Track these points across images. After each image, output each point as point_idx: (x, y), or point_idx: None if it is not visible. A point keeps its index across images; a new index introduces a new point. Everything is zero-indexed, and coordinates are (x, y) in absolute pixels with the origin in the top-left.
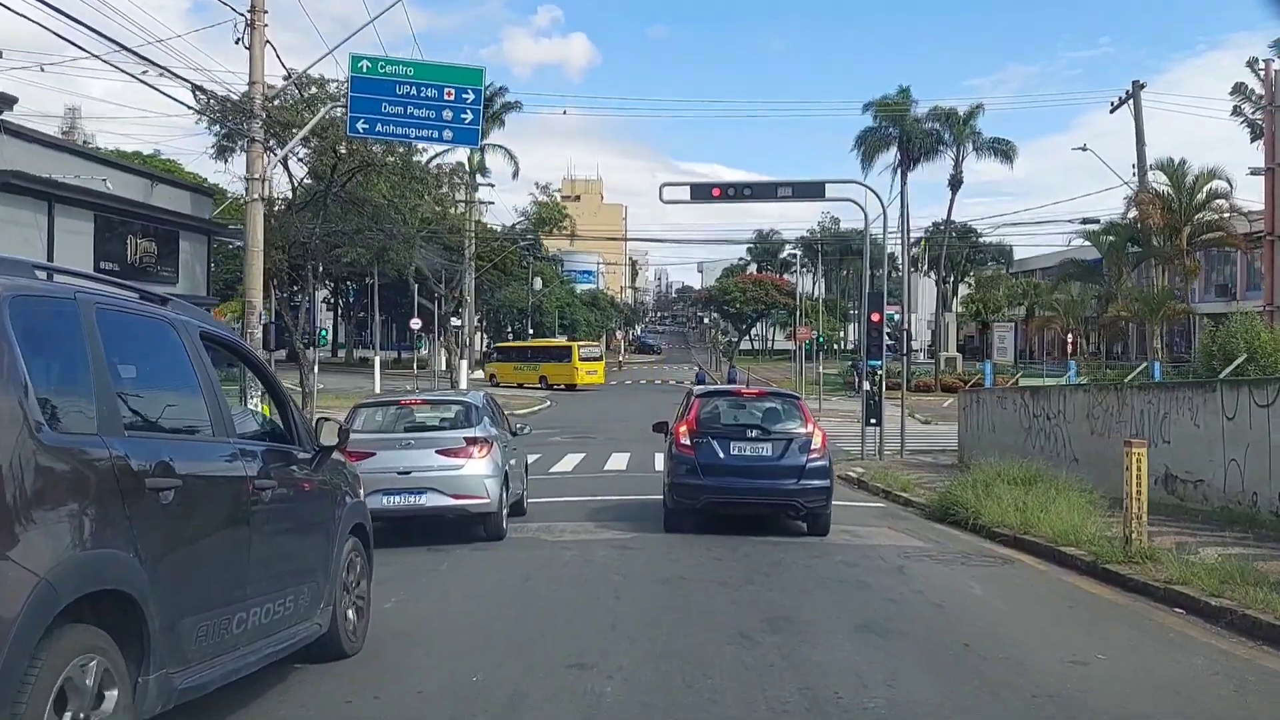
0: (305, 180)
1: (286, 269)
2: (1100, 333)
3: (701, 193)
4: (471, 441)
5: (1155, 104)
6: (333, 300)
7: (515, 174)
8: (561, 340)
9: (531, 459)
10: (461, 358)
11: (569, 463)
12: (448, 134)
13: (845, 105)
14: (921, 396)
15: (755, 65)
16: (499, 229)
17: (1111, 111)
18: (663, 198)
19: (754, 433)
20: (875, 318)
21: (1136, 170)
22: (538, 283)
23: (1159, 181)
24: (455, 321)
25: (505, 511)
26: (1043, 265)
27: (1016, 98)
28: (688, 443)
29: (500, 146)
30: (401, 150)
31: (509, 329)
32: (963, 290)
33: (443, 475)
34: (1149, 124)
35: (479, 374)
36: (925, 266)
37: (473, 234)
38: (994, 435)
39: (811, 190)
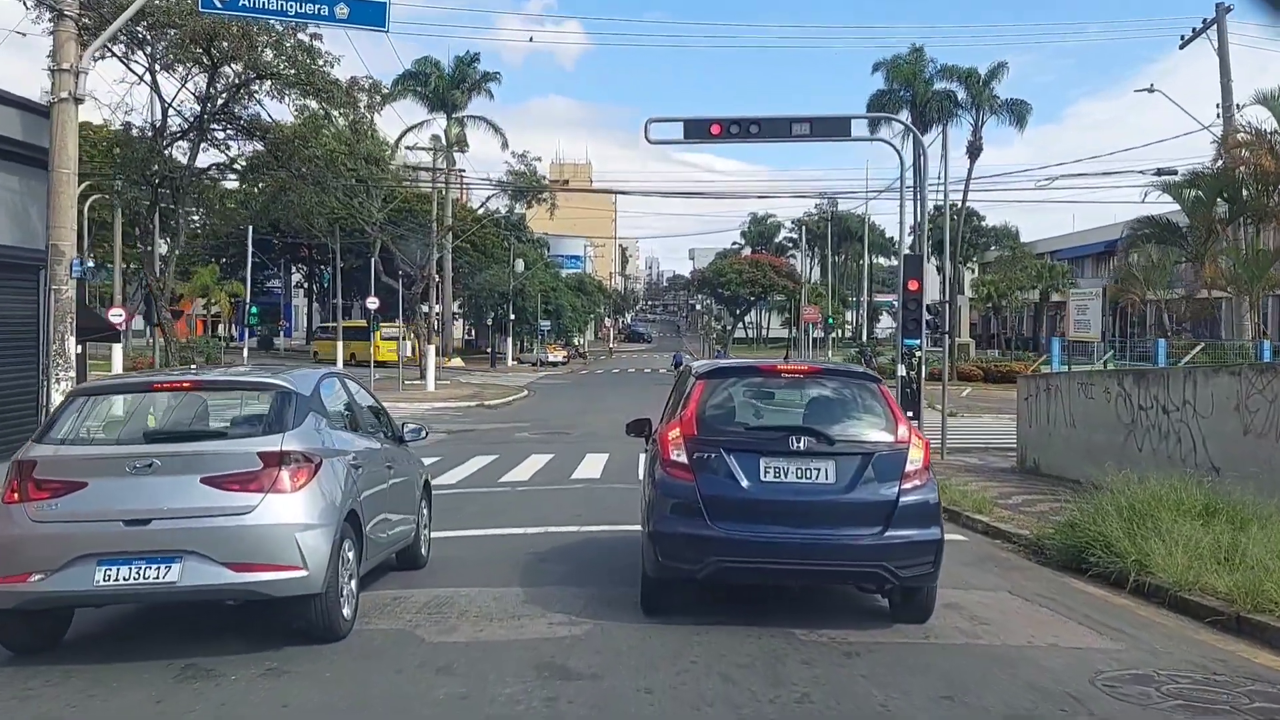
0: (179, 103)
1: (146, 213)
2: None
3: (697, 130)
4: (273, 460)
5: (1161, 92)
6: (306, 285)
7: (504, 145)
8: (364, 322)
9: (485, 463)
10: (429, 342)
11: (530, 467)
12: (342, 9)
13: (843, 94)
14: (937, 385)
15: (752, 54)
16: (477, 207)
17: (1182, 46)
18: (649, 136)
19: (802, 442)
20: (913, 285)
21: (1221, 111)
22: (519, 265)
23: (1246, 123)
24: (426, 307)
25: (350, 587)
26: (1052, 248)
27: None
28: (682, 458)
29: (482, 118)
30: (303, 57)
31: (491, 314)
32: (967, 275)
33: (212, 525)
34: (1182, 73)
35: (458, 362)
36: (930, 249)
37: (443, 190)
38: (1073, 432)
39: (834, 128)
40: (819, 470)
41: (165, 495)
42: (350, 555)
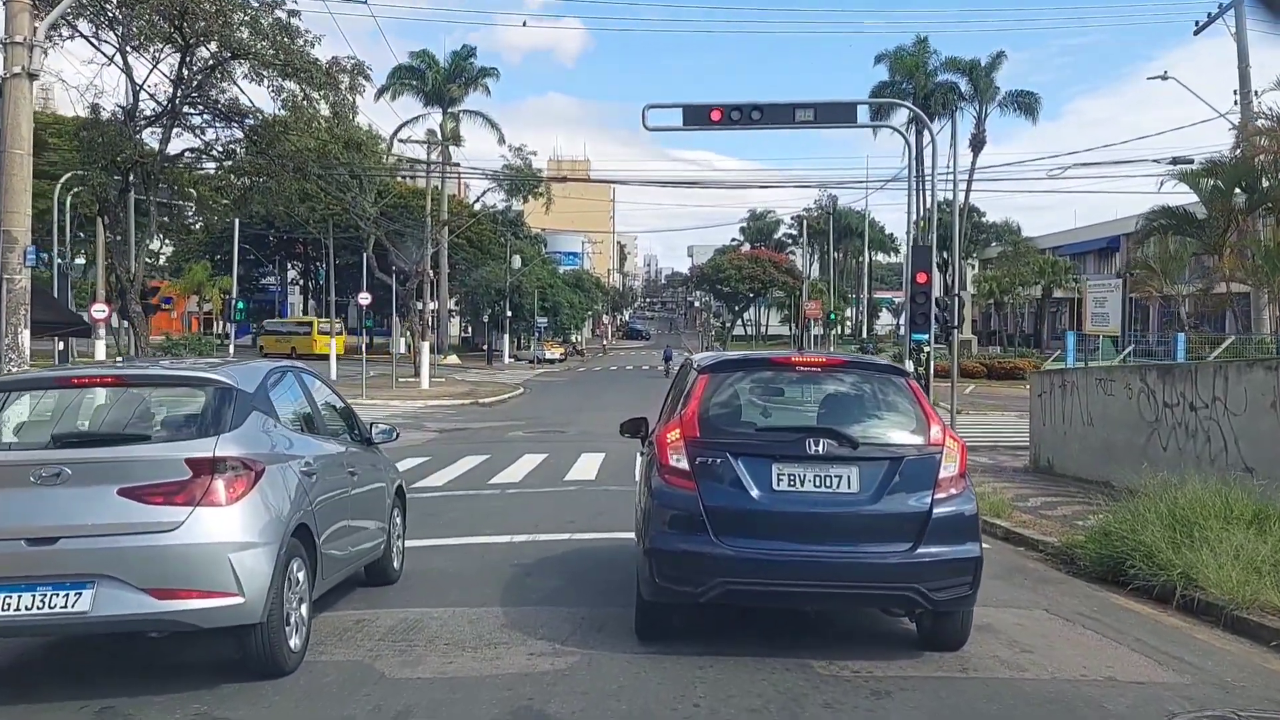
0: (152, 86)
1: (116, 200)
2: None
3: (696, 116)
4: (205, 467)
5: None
6: (301, 282)
7: (501, 140)
8: (308, 318)
9: (475, 463)
10: (423, 339)
11: (522, 468)
12: None
13: (845, 92)
14: (940, 382)
15: (751, 55)
16: (473, 201)
17: (1197, 32)
18: (647, 124)
19: (820, 445)
20: (922, 278)
21: (1239, 97)
22: (516, 260)
23: (1267, 109)
24: (421, 304)
25: (300, 613)
26: (1053, 244)
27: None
28: (683, 464)
29: (478, 113)
30: (281, 36)
31: (487, 311)
32: (969, 271)
33: (130, 545)
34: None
35: (454, 359)
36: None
37: (439, 185)
38: (1091, 431)
39: (839, 114)
40: (840, 478)
41: (76, 509)
42: (300, 576)
